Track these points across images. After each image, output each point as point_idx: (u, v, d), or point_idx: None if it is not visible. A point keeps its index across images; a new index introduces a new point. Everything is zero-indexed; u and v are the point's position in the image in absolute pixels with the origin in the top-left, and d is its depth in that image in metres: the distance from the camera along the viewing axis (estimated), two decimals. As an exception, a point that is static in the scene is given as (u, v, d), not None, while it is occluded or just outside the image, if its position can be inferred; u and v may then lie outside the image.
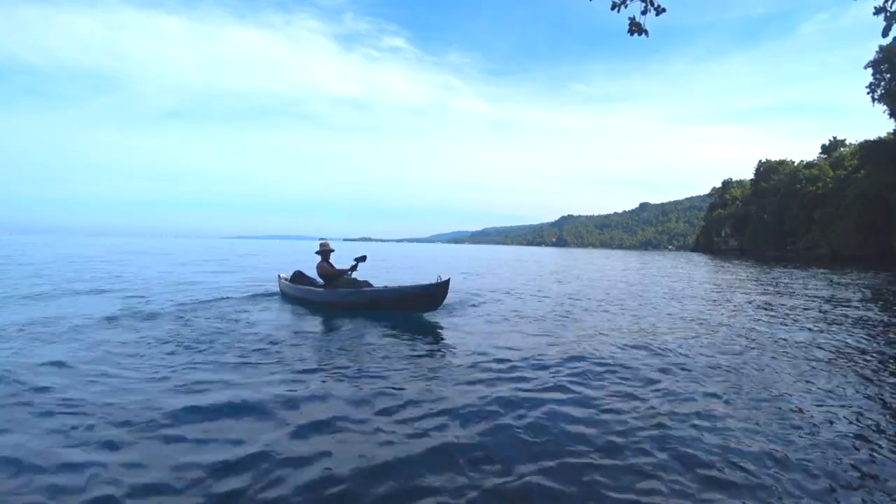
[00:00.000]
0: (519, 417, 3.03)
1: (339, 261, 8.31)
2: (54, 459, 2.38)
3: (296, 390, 3.45)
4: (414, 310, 6.62)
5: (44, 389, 3.35)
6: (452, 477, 2.30)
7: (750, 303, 9.32)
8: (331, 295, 7.36)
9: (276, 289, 9.02)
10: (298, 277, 8.44)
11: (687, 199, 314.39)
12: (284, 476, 2.26)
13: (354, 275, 7.76)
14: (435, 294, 6.53)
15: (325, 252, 7.82)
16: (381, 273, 13.97)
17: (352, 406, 3.17)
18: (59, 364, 3.96)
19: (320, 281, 7.97)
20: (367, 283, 7.52)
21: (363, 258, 7.94)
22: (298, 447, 2.57)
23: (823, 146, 67.93)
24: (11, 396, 3.22)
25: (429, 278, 6.82)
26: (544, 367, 4.17)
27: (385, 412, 3.07)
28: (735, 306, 8.79)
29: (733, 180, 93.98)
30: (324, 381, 3.69)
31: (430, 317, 6.64)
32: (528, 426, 2.90)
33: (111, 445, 2.54)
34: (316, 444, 2.62)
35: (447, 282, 6.48)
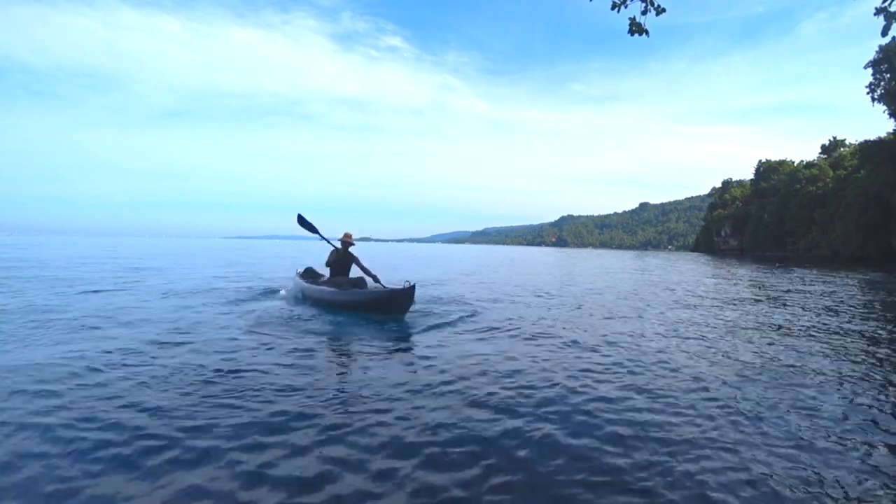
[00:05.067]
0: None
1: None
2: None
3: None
4: (381, 312, 6.60)
5: None
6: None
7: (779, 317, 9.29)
8: (313, 291, 7.60)
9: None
10: (307, 273, 8.66)
11: (687, 199, 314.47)
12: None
13: (358, 273, 7.79)
14: (401, 300, 6.49)
15: (344, 242, 7.84)
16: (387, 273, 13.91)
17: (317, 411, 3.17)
18: None
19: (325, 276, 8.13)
20: (362, 282, 7.58)
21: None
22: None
23: (823, 146, 67.93)
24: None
25: (431, 279, 6.80)
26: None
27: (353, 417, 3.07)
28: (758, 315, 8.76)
29: (733, 180, 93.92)
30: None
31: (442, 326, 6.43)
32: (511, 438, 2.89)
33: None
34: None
35: (412, 288, 6.43)
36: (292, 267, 10.84)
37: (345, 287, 7.25)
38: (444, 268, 19.74)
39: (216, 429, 2.75)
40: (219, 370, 3.88)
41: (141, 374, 3.77)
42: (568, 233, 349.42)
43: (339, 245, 7.85)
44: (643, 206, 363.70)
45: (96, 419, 2.85)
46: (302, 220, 8.02)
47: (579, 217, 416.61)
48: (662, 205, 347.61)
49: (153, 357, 4.29)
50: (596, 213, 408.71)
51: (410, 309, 6.67)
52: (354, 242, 7.94)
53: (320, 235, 7.94)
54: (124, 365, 3.99)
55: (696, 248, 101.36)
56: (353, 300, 6.92)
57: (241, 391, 3.40)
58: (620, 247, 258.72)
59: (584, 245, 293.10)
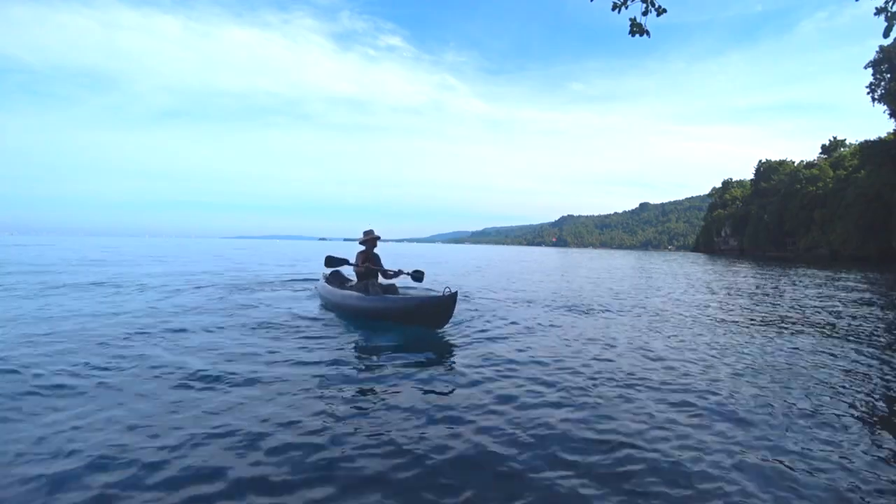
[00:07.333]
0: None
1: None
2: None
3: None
4: (412, 324, 5.60)
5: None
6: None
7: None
8: (341, 296, 6.69)
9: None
10: (334, 277, 7.96)
11: (687, 199, 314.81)
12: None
13: (390, 279, 7.13)
14: (437, 310, 5.42)
15: (368, 241, 7.04)
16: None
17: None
18: None
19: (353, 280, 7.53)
20: (394, 287, 6.83)
21: (419, 276, 7.19)
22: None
23: (823, 146, 67.88)
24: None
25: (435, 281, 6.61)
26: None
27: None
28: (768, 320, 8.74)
29: (733, 180, 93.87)
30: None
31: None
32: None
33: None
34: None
35: (454, 295, 5.31)
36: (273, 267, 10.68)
37: (373, 292, 6.42)
38: (448, 267, 19.73)
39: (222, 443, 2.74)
40: (216, 376, 3.88)
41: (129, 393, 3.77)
42: (568, 233, 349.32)
43: (362, 247, 7.09)
44: (643, 206, 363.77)
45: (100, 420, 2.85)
46: (330, 260, 7.13)
47: (579, 217, 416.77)
48: (662, 205, 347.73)
49: (140, 372, 4.28)
50: (596, 213, 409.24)
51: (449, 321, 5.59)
52: (380, 237, 7.10)
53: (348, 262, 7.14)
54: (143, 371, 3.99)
55: (696, 248, 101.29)
56: (378, 308, 5.94)
57: (250, 410, 3.39)
58: (621, 247, 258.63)
59: (584, 245, 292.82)
